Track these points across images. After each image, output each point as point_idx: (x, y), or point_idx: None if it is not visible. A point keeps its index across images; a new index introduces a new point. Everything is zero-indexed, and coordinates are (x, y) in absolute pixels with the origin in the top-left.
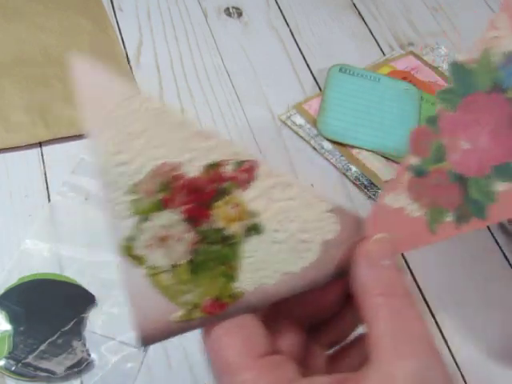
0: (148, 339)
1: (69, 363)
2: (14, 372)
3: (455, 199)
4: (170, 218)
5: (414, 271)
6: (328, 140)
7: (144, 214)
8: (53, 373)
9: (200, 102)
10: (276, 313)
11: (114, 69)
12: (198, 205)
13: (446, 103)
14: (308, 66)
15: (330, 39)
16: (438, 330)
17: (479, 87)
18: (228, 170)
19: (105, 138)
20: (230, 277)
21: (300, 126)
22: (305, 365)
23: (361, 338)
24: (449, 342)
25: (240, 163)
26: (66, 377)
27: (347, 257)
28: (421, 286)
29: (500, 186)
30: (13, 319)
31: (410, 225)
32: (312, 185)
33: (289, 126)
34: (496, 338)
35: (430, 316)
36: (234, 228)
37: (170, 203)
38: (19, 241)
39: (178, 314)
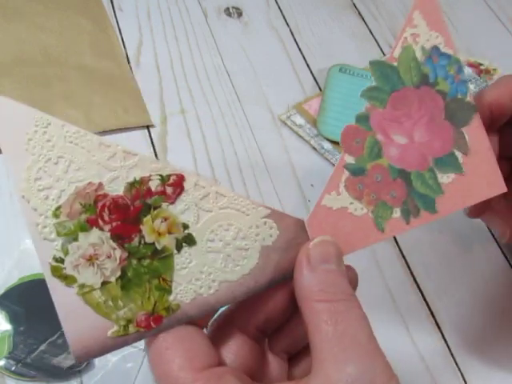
0: (84, 356)
1: (69, 363)
2: (14, 372)
3: (400, 194)
4: (97, 237)
5: (413, 271)
6: (328, 140)
7: (70, 235)
8: (53, 373)
9: (200, 102)
10: (225, 323)
11: (113, 69)
12: (124, 222)
13: (374, 101)
14: (308, 66)
15: (330, 39)
16: (438, 330)
17: (406, 83)
18: (153, 185)
19: (24, 166)
20: (165, 290)
21: (300, 126)
22: (263, 373)
23: None
24: (449, 342)
25: (165, 178)
26: (66, 377)
27: (290, 261)
28: (421, 286)
29: (445, 178)
30: (13, 319)
31: (356, 224)
32: (312, 185)
33: (289, 126)
34: (496, 338)
35: (430, 316)
36: (165, 241)
37: (96, 222)
38: (19, 241)
39: (113, 329)
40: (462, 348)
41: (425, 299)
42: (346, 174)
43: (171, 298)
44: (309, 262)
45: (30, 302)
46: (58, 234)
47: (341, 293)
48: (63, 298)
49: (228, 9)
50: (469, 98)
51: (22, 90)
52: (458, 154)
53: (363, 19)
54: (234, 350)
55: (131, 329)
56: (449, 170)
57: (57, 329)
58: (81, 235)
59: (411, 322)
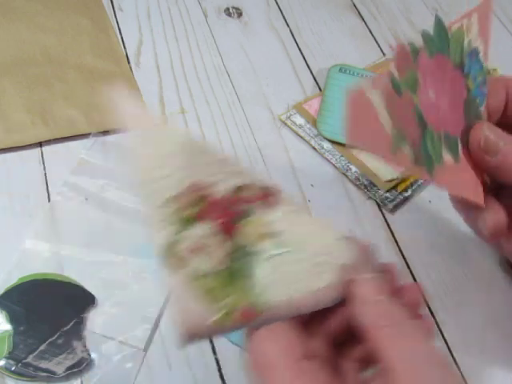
0: (189, 337)
1: (69, 363)
2: (14, 372)
3: (415, 138)
4: (204, 230)
5: (413, 271)
6: (328, 140)
7: (184, 224)
8: (53, 373)
9: (200, 102)
10: (304, 323)
11: (114, 69)
12: (227, 221)
13: (426, 46)
14: (308, 66)
15: (330, 39)
16: (438, 330)
17: (451, 56)
18: (252, 193)
19: (145, 155)
20: (260, 289)
21: (300, 126)
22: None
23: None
24: (449, 342)
25: (264, 188)
26: (66, 377)
27: (348, 283)
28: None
29: (445, 155)
30: (13, 319)
31: (379, 130)
32: (312, 185)
33: (289, 126)
34: (496, 338)
35: (431, 316)
36: (261, 245)
37: (205, 217)
38: (19, 241)
39: (215, 317)
40: (462, 348)
41: (425, 299)
42: (387, 81)
43: (264, 297)
44: (363, 298)
45: (30, 301)
46: (174, 221)
47: (401, 318)
48: (175, 280)
49: (228, 9)
50: (482, 109)
51: (22, 90)
52: (460, 146)
53: (363, 19)
54: (314, 348)
55: (229, 319)
56: (450, 150)
57: (57, 329)
58: (193, 225)
59: None
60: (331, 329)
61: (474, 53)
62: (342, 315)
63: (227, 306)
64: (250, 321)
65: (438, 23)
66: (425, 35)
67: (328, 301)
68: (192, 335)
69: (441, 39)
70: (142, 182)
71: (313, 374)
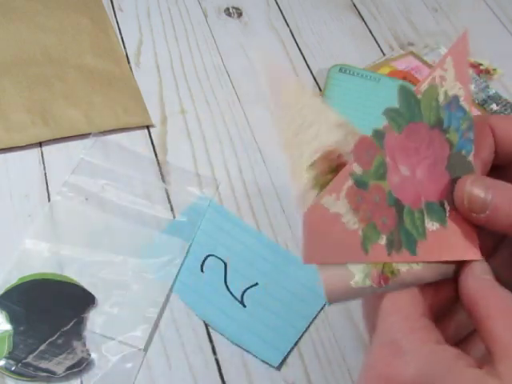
0: (332, 298)
1: (69, 363)
2: (13, 372)
3: (390, 223)
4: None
5: None
6: None
7: (320, 190)
8: (53, 373)
9: (200, 102)
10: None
11: (114, 69)
12: None
13: (393, 123)
14: (308, 66)
15: (330, 39)
16: None
17: (424, 119)
18: None
19: (286, 120)
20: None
21: None
22: None
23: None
24: None
25: None
26: (66, 377)
27: (458, 264)
28: None
29: (430, 225)
30: (13, 319)
31: (345, 236)
32: None
33: None
34: None
35: None
36: None
37: None
38: (19, 241)
39: (355, 279)
40: None
41: None
42: (350, 182)
43: (394, 263)
44: (474, 274)
45: (30, 301)
46: (313, 186)
47: (507, 295)
48: None
49: (228, 9)
50: (470, 158)
51: (23, 90)
52: (447, 207)
53: (363, 19)
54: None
55: (367, 282)
56: (435, 219)
57: (57, 329)
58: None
59: None
60: (437, 301)
61: (454, 101)
62: (445, 291)
63: (363, 270)
64: (382, 286)
65: (403, 92)
66: (389, 112)
67: (446, 274)
68: (335, 295)
69: (410, 107)
70: (285, 145)
71: (427, 330)
